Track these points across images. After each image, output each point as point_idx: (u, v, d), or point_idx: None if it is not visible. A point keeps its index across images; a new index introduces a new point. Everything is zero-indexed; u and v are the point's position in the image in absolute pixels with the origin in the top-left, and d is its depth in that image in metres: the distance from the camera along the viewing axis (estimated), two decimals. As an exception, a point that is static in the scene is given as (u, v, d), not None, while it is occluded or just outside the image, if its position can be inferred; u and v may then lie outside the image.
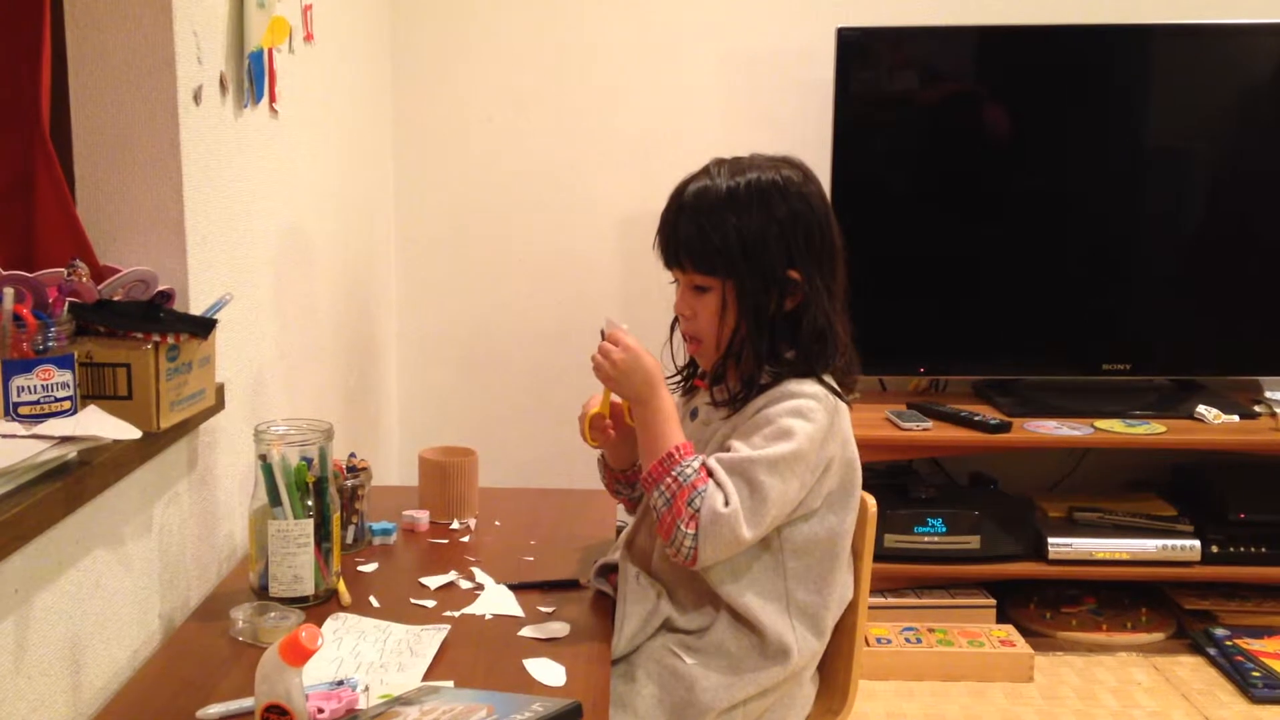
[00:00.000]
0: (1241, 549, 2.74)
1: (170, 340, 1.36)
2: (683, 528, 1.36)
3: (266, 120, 1.84)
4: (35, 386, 1.21)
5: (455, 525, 1.84)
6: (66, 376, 1.23)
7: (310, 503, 1.49)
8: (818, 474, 1.43)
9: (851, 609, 1.53)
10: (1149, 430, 2.71)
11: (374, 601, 1.53)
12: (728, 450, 1.41)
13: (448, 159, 3.02)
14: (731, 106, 2.98)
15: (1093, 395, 2.87)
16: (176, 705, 1.25)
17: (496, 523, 1.87)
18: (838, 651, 1.54)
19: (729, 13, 2.97)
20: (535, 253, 3.06)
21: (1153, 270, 2.90)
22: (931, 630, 2.68)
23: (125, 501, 1.38)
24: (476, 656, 1.37)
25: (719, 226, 1.44)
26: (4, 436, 1.17)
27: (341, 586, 1.54)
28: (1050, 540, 2.74)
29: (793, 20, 2.94)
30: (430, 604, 1.53)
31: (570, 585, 1.60)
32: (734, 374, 1.49)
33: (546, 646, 1.41)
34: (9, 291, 1.22)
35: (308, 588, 1.49)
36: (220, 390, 1.56)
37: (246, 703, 1.21)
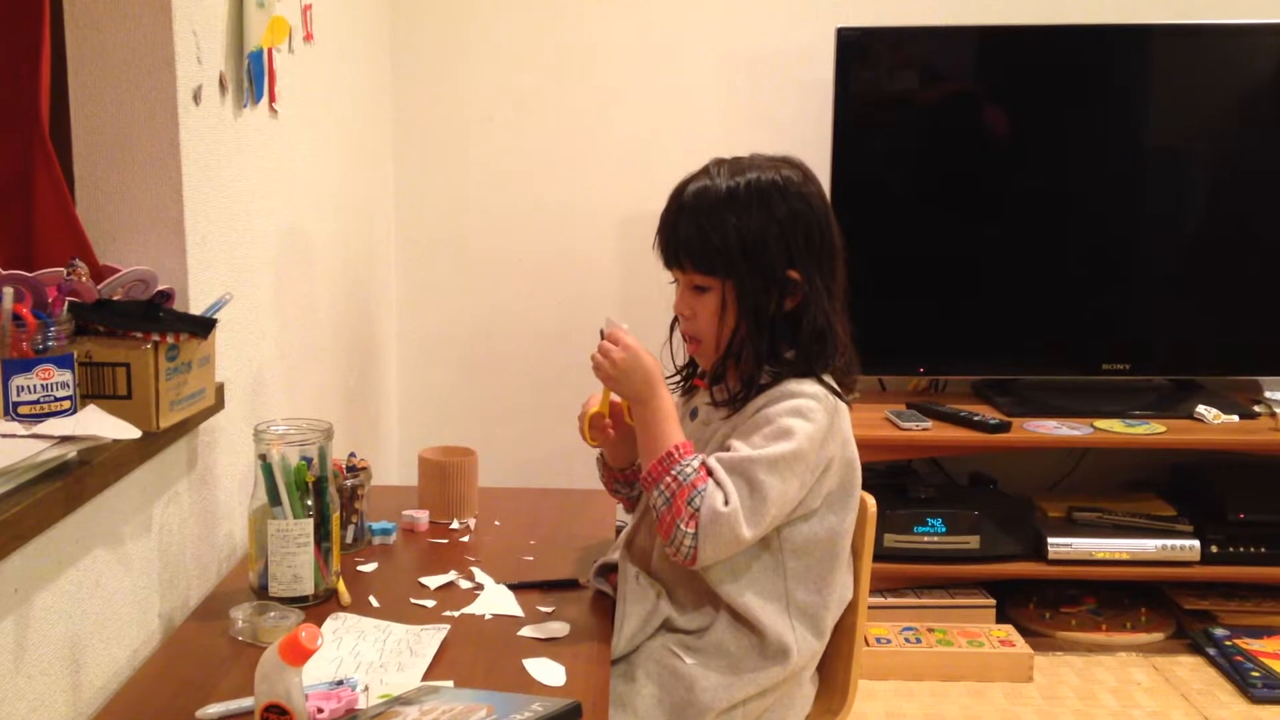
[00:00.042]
0: (1241, 549, 2.74)
1: (170, 340, 1.36)
2: (682, 527, 1.36)
3: (266, 120, 1.84)
4: (35, 386, 1.21)
5: (455, 525, 1.84)
6: (66, 376, 1.23)
7: (310, 502, 1.49)
8: (817, 474, 1.43)
9: (851, 609, 1.53)
10: (1148, 430, 2.71)
11: (374, 601, 1.53)
12: (727, 450, 1.41)
13: (448, 159, 3.02)
14: (731, 106, 2.98)
15: (1092, 395, 2.87)
16: (176, 705, 1.25)
17: (496, 522, 1.87)
18: (837, 651, 1.54)
19: (729, 13, 2.97)
20: (535, 253, 3.06)
21: (1153, 270, 2.90)
22: (931, 630, 2.68)
23: (125, 501, 1.38)
24: (476, 656, 1.37)
25: (719, 226, 1.44)
26: (3, 436, 1.17)
27: (341, 586, 1.54)
28: (1050, 540, 2.74)
29: (793, 20, 2.94)
30: (430, 604, 1.53)
31: (570, 585, 1.60)
32: (734, 374, 1.49)
33: (546, 646, 1.41)
34: (9, 291, 1.22)
35: (307, 587, 1.49)
36: (220, 390, 1.56)
37: (246, 702, 1.21)
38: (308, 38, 2.08)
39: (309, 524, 1.48)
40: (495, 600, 1.54)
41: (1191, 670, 2.62)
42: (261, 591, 1.50)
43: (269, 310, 1.89)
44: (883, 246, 2.80)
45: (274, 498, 1.47)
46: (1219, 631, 2.71)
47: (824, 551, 1.46)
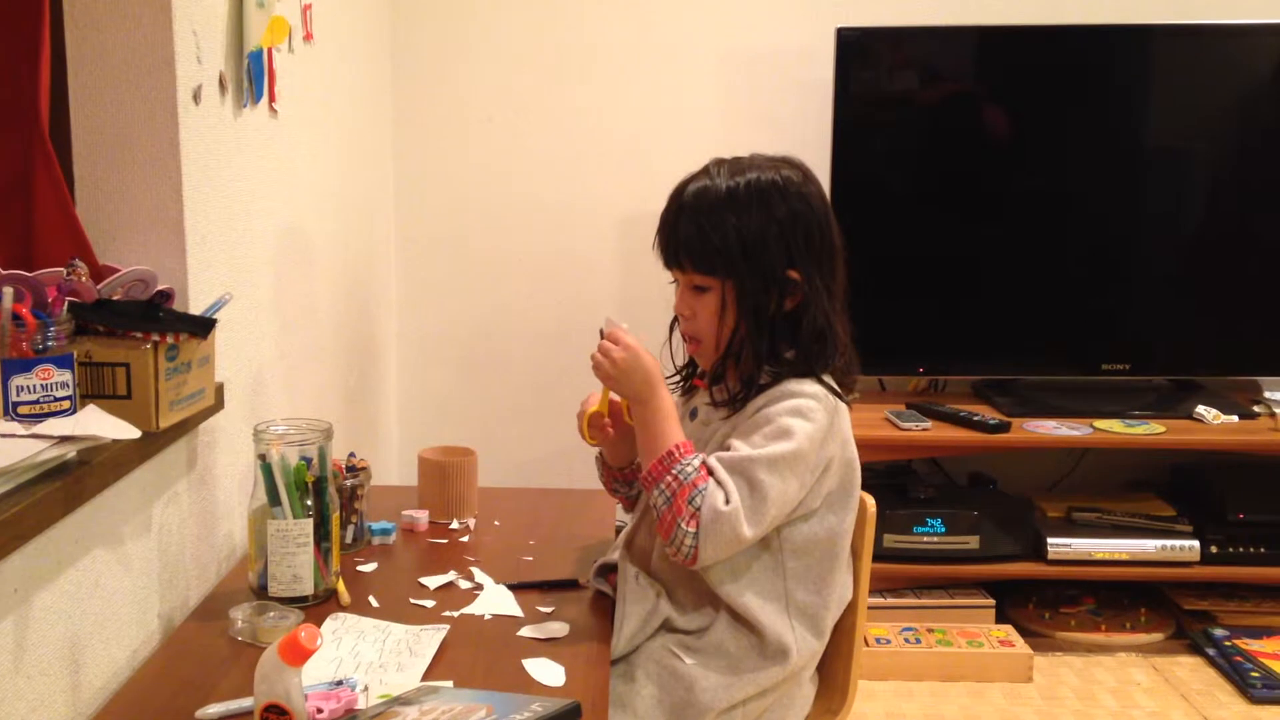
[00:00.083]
0: (1240, 549, 2.74)
1: (169, 340, 1.36)
2: (683, 526, 1.36)
3: (266, 120, 1.84)
4: (34, 386, 1.21)
5: (454, 525, 1.84)
6: (66, 376, 1.23)
7: (309, 502, 1.49)
8: (817, 474, 1.43)
9: (851, 609, 1.53)
10: (1148, 430, 2.71)
11: (373, 601, 1.53)
12: (727, 450, 1.41)
13: (448, 159, 3.02)
14: (731, 106, 2.98)
15: (1092, 395, 2.87)
16: (176, 705, 1.25)
17: (496, 523, 1.87)
18: (837, 652, 1.54)
19: (729, 13, 2.97)
20: (535, 253, 3.06)
21: (1152, 270, 2.90)
22: (930, 630, 2.68)
23: (124, 501, 1.38)
24: (476, 656, 1.37)
25: (719, 226, 1.44)
26: (3, 436, 1.17)
27: (341, 586, 1.54)
28: (1049, 540, 2.74)
29: (793, 20, 2.94)
30: (429, 604, 1.53)
31: (569, 585, 1.60)
32: (733, 374, 1.49)
33: (546, 646, 1.41)
34: (8, 291, 1.22)
35: (307, 587, 1.49)
36: (220, 390, 1.56)
37: (246, 702, 1.21)
38: (307, 37, 2.08)
39: (308, 524, 1.48)
40: (495, 600, 1.54)
41: (1191, 670, 2.62)
42: (261, 591, 1.50)
43: (269, 310, 1.89)
44: (883, 246, 2.80)
45: (274, 498, 1.47)
46: (1218, 632, 2.71)
47: (824, 551, 1.46)
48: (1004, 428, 2.70)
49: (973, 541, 2.74)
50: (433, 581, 1.60)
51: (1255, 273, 2.87)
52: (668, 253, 1.49)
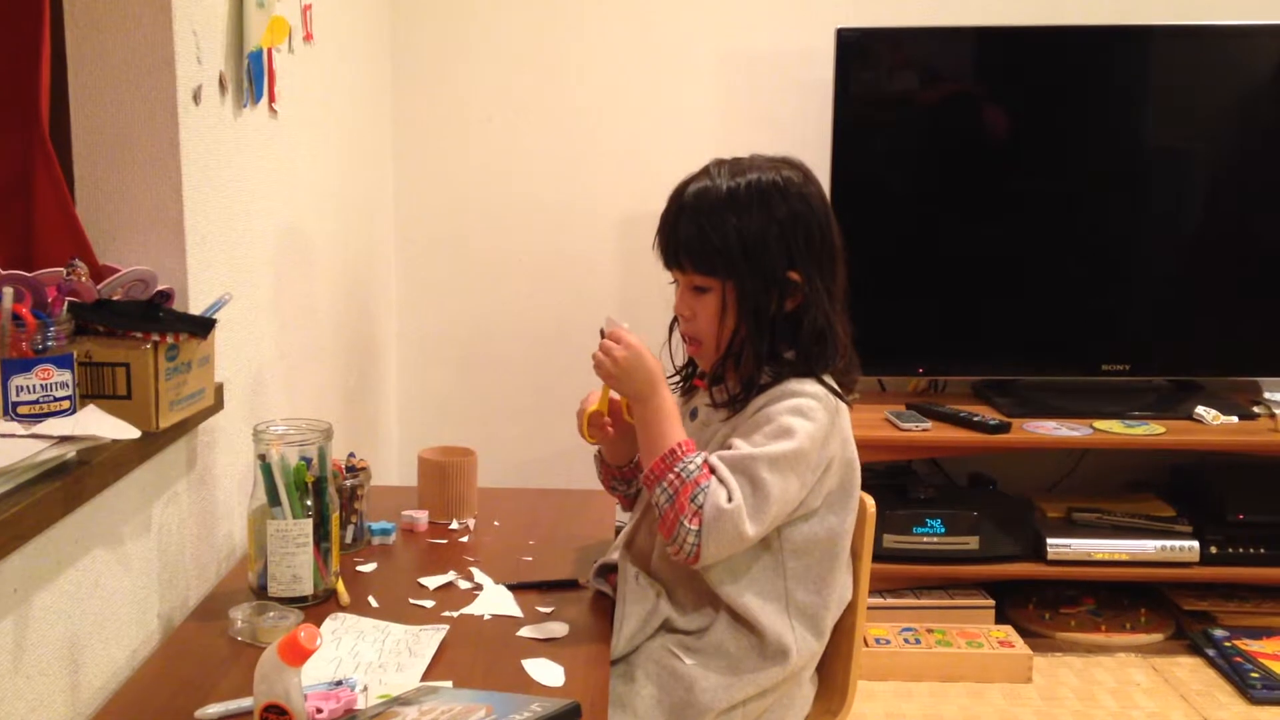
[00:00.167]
0: (1240, 550, 2.74)
1: (169, 340, 1.36)
2: (686, 524, 1.36)
3: (266, 120, 1.84)
4: (34, 386, 1.21)
5: (454, 525, 1.84)
6: (65, 376, 1.23)
7: (309, 502, 1.49)
8: (818, 473, 1.43)
9: (850, 609, 1.53)
10: (1148, 431, 2.71)
11: (373, 601, 1.53)
12: (729, 449, 1.41)
13: (448, 159, 3.02)
14: (731, 106, 2.99)
15: (1092, 396, 2.87)
16: (175, 705, 1.25)
17: (495, 523, 1.87)
18: (836, 652, 1.54)
19: (729, 13, 2.97)
20: (535, 253, 3.06)
21: (1152, 270, 2.90)
22: (930, 631, 2.68)
23: (124, 501, 1.38)
24: (475, 657, 1.37)
25: (719, 227, 1.44)
26: (3, 436, 1.17)
27: (340, 586, 1.54)
28: (1049, 541, 2.74)
29: (793, 20, 2.94)
30: (429, 604, 1.53)
31: (569, 585, 1.60)
32: (733, 375, 1.49)
33: (545, 647, 1.41)
34: (8, 291, 1.22)
35: (306, 587, 1.49)
36: (219, 390, 1.56)
37: (245, 702, 1.21)
38: (307, 38, 2.08)
39: (308, 524, 1.48)
40: (494, 600, 1.54)
41: (1190, 671, 2.62)
42: (261, 592, 1.50)
43: (268, 310, 1.89)
44: (883, 246, 2.80)
45: (273, 498, 1.47)
46: (1218, 632, 2.71)
47: (824, 552, 1.46)
48: (1004, 428, 2.70)
49: (972, 542, 2.74)
50: (432, 582, 1.60)
51: (1255, 273, 2.88)
52: (668, 253, 1.49)
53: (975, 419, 2.72)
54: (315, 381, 2.22)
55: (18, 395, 1.20)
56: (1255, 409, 2.81)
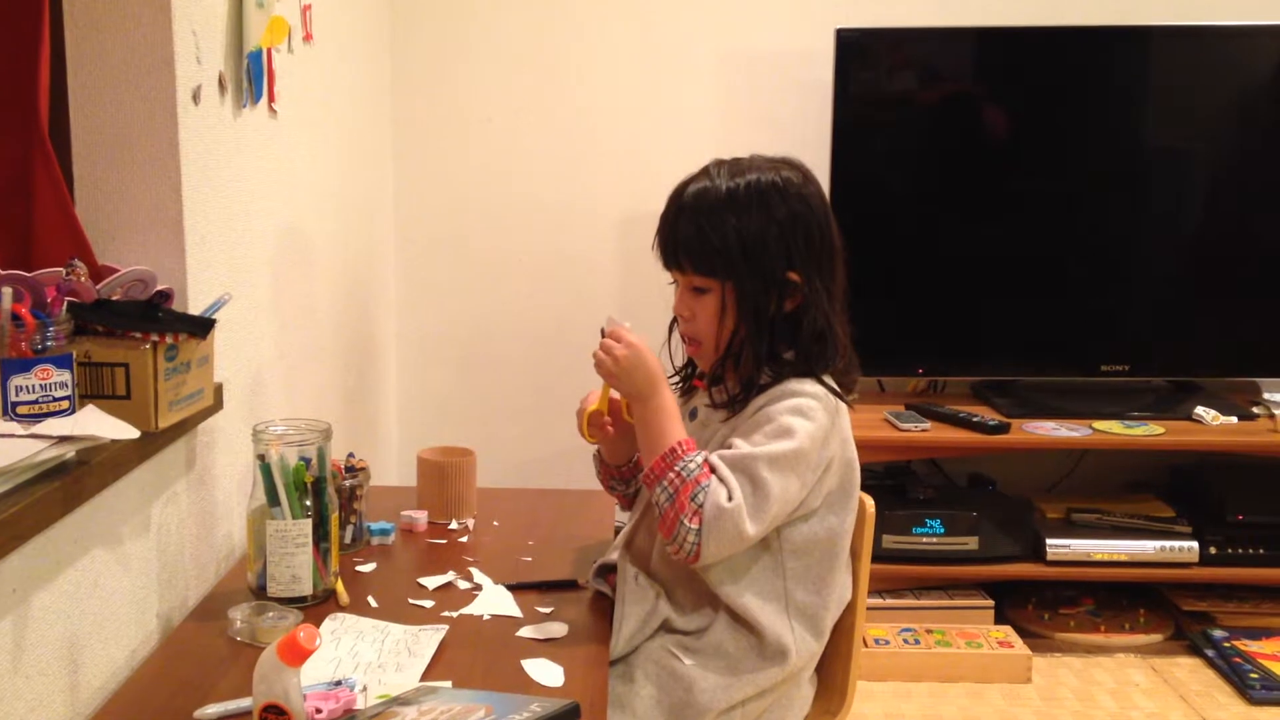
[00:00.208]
0: (1239, 550, 2.74)
1: (169, 340, 1.36)
2: (686, 523, 1.36)
3: (265, 120, 1.84)
4: (33, 386, 1.21)
5: (453, 525, 1.84)
6: (65, 376, 1.23)
7: (308, 503, 1.49)
8: (818, 473, 1.43)
9: (850, 610, 1.53)
10: (1147, 431, 2.71)
11: (372, 601, 1.53)
12: (729, 449, 1.41)
13: (447, 159, 3.02)
14: (731, 107, 2.99)
15: (1091, 396, 2.87)
16: (174, 705, 1.25)
17: (495, 523, 1.86)
18: (836, 652, 1.54)
19: (729, 13, 2.97)
20: (535, 253, 3.06)
21: (1152, 270, 2.90)
22: (929, 631, 2.68)
23: (123, 501, 1.38)
24: (474, 657, 1.37)
25: (718, 227, 1.44)
26: (2, 436, 1.17)
27: (339, 586, 1.54)
28: (1048, 541, 2.74)
29: (792, 20, 2.94)
30: (428, 604, 1.53)
31: (568, 586, 1.60)
32: (732, 375, 1.49)
33: (545, 647, 1.41)
34: (7, 291, 1.22)
35: (306, 588, 1.49)
36: (219, 390, 1.56)
37: (244, 703, 1.21)
38: (307, 38, 2.08)
39: (307, 524, 1.48)
40: (494, 601, 1.54)
41: (1190, 672, 2.62)
42: (260, 592, 1.50)
43: (268, 310, 1.89)
44: (882, 247, 2.80)
45: (273, 498, 1.47)
46: (1217, 633, 2.71)
47: (823, 552, 1.46)
48: (1003, 429, 2.70)
49: (972, 542, 2.74)
50: (431, 582, 1.60)
51: (1255, 273, 2.88)
52: (667, 253, 1.49)
53: (975, 419, 2.72)
54: (315, 381, 2.22)
55: (17, 395, 1.20)
56: (1254, 409, 2.81)
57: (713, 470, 1.39)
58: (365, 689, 1.27)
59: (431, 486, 1.86)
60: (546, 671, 1.34)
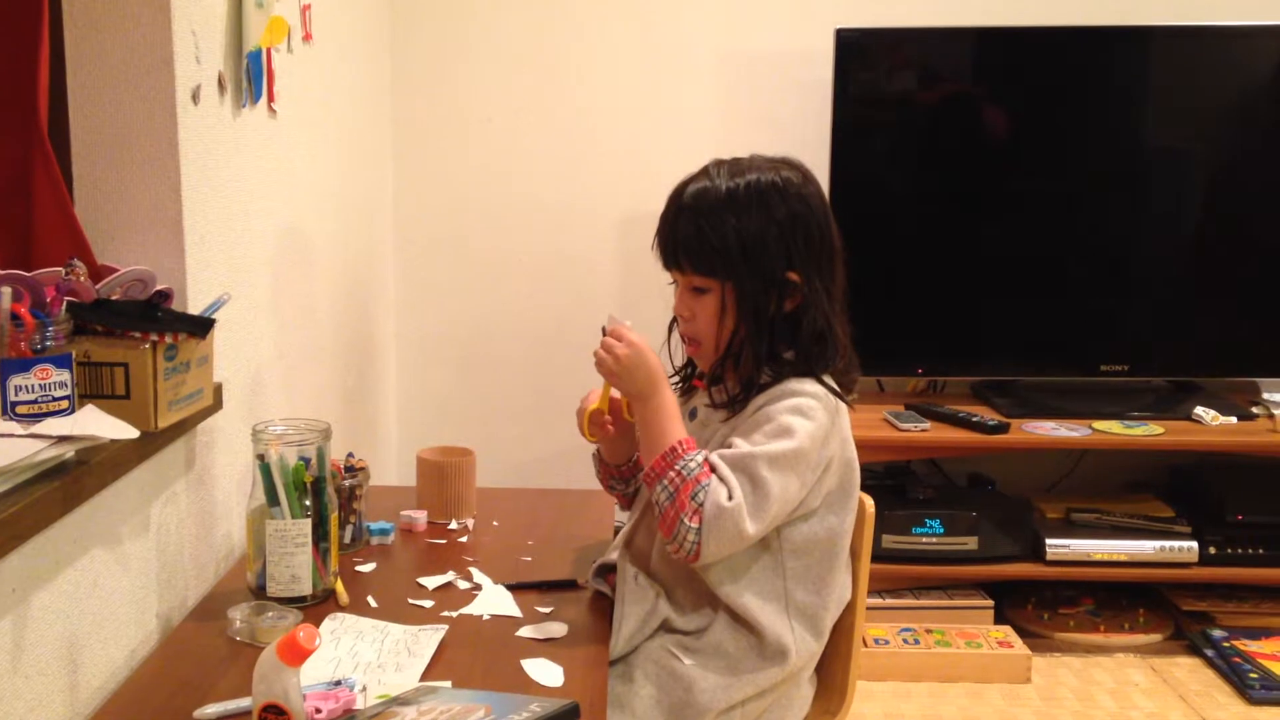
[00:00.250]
0: (1239, 550, 2.74)
1: (168, 340, 1.36)
2: (686, 522, 1.36)
3: (265, 120, 1.84)
4: (33, 386, 1.21)
5: (453, 525, 1.84)
6: (64, 376, 1.23)
7: (308, 502, 1.49)
8: (818, 473, 1.43)
9: (849, 610, 1.53)
10: (1147, 431, 2.71)
11: (372, 601, 1.53)
12: (729, 449, 1.41)
13: (447, 159, 3.02)
14: (731, 107, 2.98)
15: (1091, 396, 2.87)
16: (174, 705, 1.25)
17: (494, 523, 1.86)
18: (835, 652, 1.54)
19: (729, 13, 2.97)
20: (535, 253, 3.06)
21: (1152, 271, 2.90)
22: (929, 631, 2.68)
23: (123, 501, 1.38)
24: (474, 657, 1.37)
25: (718, 228, 1.44)
26: (1, 436, 1.17)
27: (339, 586, 1.54)
28: (1048, 541, 2.74)
29: (792, 21, 2.94)
30: (428, 604, 1.53)
31: (568, 585, 1.60)
32: (732, 375, 1.49)
33: (544, 647, 1.41)
34: (7, 291, 1.22)
35: (305, 587, 1.49)
36: (218, 390, 1.56)
37: (244, 702, 1.21)
38: (307, 38, 2.08)
39: (307, 524, 1.48)
40: (493, 601, 1.54)
41: (1189, 671, 2.62)
42: (259, 591, 1.50)
43: (267, 310, 1.89)
44: (882, 247, 2.80)
45: (272, 498, 1.47)
46: (1217, 633, 2.71)
47: (823, 552, 1.46)
48: (1003, 429, 2.70)
49: (971, 542, 2.74)
50: (431, 582, 1.60)
51: (1255, 273, 2.88)
52: (667, 253, 1.49)
53: (974, 419, 2.72)
54: (314, 381, 2.22)
55: (16, 395, 1.20)
56: (1254, 410, 2.81)
57: (713, 469, 1.39)
58: (365, 689, 1.27)
59: (431, 486, 1.86)
60: (546, 671, 1.34)
